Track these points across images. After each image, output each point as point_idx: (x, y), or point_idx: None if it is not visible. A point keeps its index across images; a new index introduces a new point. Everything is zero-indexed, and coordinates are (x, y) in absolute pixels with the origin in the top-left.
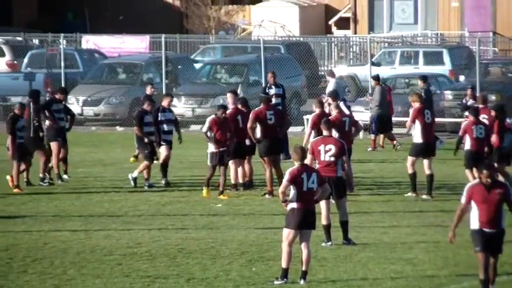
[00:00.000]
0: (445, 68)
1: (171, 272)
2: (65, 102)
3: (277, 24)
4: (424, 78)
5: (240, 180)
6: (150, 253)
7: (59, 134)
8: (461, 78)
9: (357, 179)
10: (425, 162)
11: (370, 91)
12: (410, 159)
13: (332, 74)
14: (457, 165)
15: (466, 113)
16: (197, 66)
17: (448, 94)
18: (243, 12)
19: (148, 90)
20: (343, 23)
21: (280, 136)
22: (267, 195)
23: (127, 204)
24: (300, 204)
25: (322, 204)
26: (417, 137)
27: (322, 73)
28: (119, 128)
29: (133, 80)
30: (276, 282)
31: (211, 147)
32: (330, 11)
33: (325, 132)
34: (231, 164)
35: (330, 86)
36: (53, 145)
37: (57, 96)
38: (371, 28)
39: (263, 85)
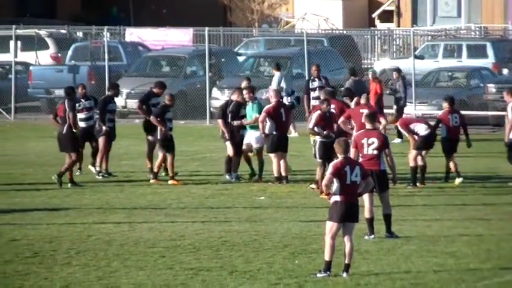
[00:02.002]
0: (488, 61)
1: (215, 264)
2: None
3: (321, 17)
4: (398, 70)
5: (283, 174)
6: (194, 245)
7: (154, 128)
8: (505, 71)
9: (398, 172)
10: (423, 153)
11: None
12: (415, 152)
13: (278, 67)
14: (499, 158)
15: None
16: (240, 59)
17: (492, 87)
18: (286, 5)
19: (245, 83)
20: (386, 16)
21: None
22: (313, 185)
23: (170, 196)
24: (343, 197)
25: (366, 197)
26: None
27: (366, 66)
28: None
29: (177, 73)
30: (318, 275)
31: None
32: (373, 4)
33: (368, 126)
34: (273, 157)
35: (275, 79)
36: (149, 139)
37: (155, 90)
38: (414, 21)
39: (306, 78)
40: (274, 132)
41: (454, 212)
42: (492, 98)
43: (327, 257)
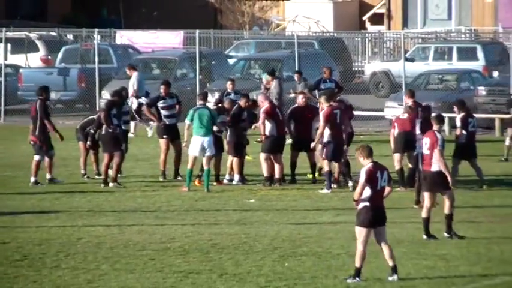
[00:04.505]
0: (478, 64)
1: (204, 267)
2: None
3: (311, 20)
4: (300, 72)
5: (277, 176)
6: (183, 248)
7: (166, 132)
8: (495, 74)
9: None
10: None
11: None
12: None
13: (133, 68)
14: (489, 160)
15: None
16: (231, 61)
17: (482, 90)
18: (277, 7)
19: (229, 86)
20: (377, 19)
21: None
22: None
23: (160, 199)
24: (372, 201)
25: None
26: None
27: (356, 69)
28: (153, 124)
29: (168, 76)
30: (349, 281)
31: None
32: (364, 7)
33: (434, 127)
34: (264, 158)
35: (133, 78)
36: (160, 142)
37: (162, 91)
38: (405, 24)
39: (297, 81)
40: (275, 134)
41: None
42: (482, 100)
43: (357, 264)
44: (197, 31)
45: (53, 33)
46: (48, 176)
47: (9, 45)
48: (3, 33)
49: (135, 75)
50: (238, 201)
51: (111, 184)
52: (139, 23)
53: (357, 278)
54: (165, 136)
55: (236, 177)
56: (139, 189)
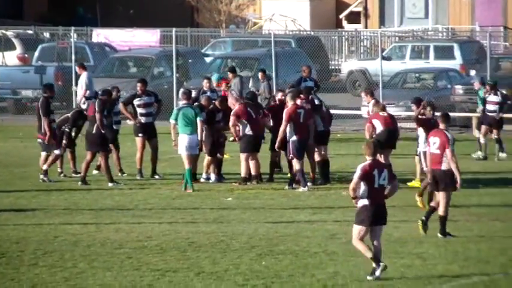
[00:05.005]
0: (455, 63)
1: (181, 265)
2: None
3: (288, 18)
4: (264, 71)
5: (253, 173)
6: (160, 246)
7: (142, 130)
8: (472, 72)
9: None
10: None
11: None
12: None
13: (83, 68)
14: (467, 159)
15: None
16: (208, 60)
17: (459, 89)
18: (254, 6)
19: (205, 85)
20: (354, 17)
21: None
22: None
23: (137, 197)
24: (372, 200)
25: (440, 194)
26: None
27: (333, 67)
28: (129, 122)
29: (144, 74)
30: (377, 273)
31: None
32: (340, 5)
33: (440, 126)
34: (244, 158)
35: (82, 78)
36: (136, 140)
37: (138, 88)
38: (382, 22)
39: (273, 79)
40: (250, 133)
41: (422, 213)
42: (459, 99)
43: (369, 255)
44: (174, 29)
45: (30, 32)
46: (41, 175)
47: None
48: None
49: (84, 74)
50: (216, 199)
51: (110, 184)
52: (115, 21)
53: (380, 264)
54: (140, 134)
55: (212, 176)
56: (117, 187)
